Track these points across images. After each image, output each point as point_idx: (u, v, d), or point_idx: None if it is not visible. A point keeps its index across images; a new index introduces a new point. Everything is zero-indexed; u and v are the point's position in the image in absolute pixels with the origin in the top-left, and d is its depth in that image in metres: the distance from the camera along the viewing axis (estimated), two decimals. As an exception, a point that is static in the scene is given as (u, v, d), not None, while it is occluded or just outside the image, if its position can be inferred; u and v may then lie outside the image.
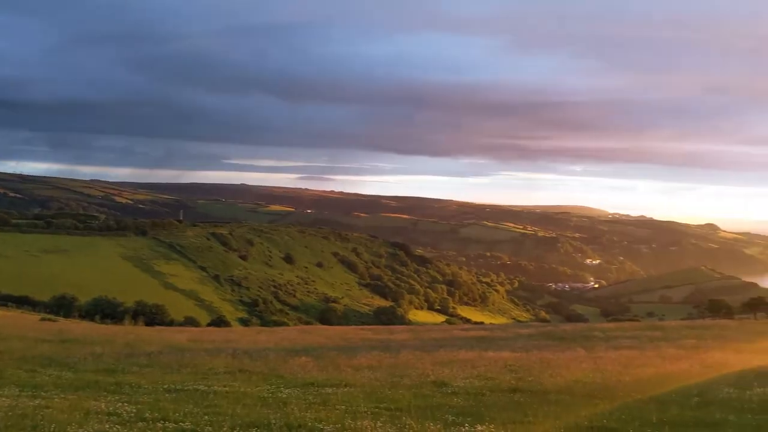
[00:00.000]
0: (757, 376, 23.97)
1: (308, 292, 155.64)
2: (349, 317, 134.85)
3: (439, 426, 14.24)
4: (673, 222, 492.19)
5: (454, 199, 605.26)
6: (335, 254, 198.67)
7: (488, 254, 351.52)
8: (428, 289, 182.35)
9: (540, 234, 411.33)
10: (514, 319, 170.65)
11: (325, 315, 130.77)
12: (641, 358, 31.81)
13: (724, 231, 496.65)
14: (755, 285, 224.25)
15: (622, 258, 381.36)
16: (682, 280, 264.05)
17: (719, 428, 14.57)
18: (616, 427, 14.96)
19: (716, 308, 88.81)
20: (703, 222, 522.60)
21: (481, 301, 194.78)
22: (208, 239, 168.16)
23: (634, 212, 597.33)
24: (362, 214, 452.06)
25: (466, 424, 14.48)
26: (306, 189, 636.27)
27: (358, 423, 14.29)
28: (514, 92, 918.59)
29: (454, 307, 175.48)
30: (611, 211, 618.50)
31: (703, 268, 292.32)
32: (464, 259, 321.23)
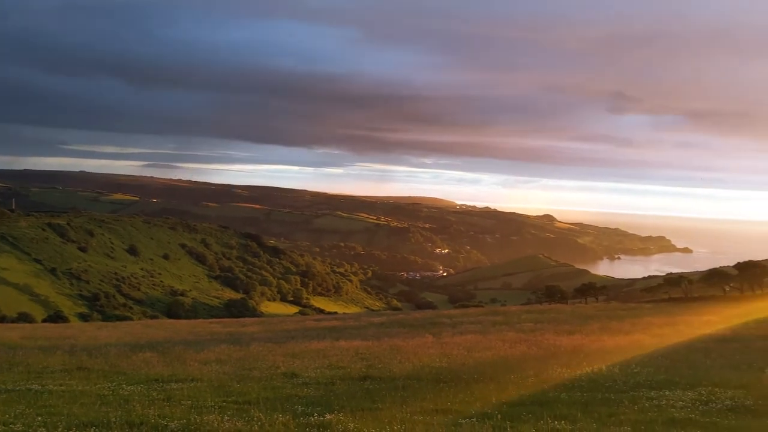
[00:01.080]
0: (586, 356, 25.82)
1: (154, 285, 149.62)
2: (198, 310, 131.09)
3: (287, 417, 14.14)
4: (515, 213, 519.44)
5: (308, 189, 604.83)
6: (183, 245, 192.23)
7: (342, 245, 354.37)
8: (281, 281, 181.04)
9: (393, 224, 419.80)
10: (367, 308, 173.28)
11: (173, 309, 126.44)
12: (484, 341, 33.35)
13: (560, 221, 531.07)
14: (587, 272, 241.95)
15: (469, 247, 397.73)
16: (523, 267, 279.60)
17: (552, 405, 15.49)
18: (459, 409, 15.52)
19: (552, 294, 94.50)
20: (541, 213, 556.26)
21: (335, 292, 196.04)
22: (44, 230, 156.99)
23: (480, 204, 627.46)
24: (212, 204, 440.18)
25: (316, 414, 14.49)
26: (152, 177, 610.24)
27: (204, 418, 13.92)
28: (369, 84, 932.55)
29: (307, 298, 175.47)
30: (459, 202, 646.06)
31: (541, 256, 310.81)
32: (318, 249, 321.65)
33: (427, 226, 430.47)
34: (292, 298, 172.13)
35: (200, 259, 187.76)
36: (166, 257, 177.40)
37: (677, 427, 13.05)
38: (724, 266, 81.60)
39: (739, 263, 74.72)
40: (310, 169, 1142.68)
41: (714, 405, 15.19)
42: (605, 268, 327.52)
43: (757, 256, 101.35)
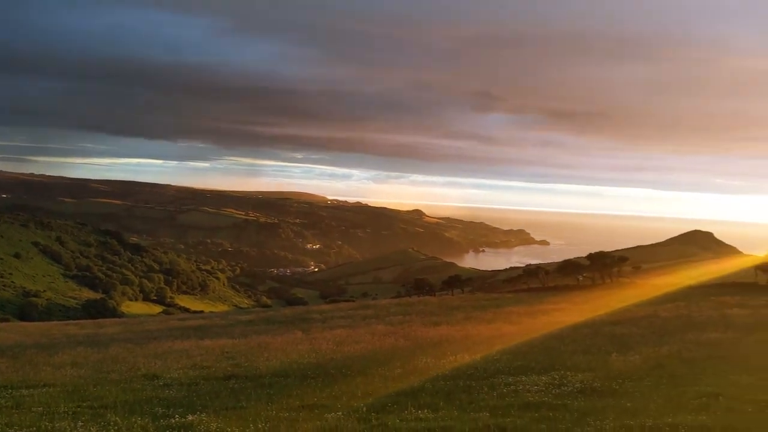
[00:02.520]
0: (451, 345, 26.66)
1: (4, 286, 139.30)
2: (52, 312, 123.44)
3: (146, 420, 13.63)
4: (385, 208, 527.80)
5: (172, 183, 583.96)
6: (36, 244, 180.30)
7: (209, 241, 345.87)
8: (144, 279, 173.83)
9: (262, 220, 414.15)
10: (235, 306, 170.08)
11: (25, 311, 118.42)
12: (354, 335, 33.67)
13: (429, 216, 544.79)
14: (454, 264, 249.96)
15: (340, 242, 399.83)
16: (393, 261, 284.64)
17: (416, 395, 15.83)
18: (326, 403, 15.52)
19: (421, 287, 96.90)
20: (411, 208, 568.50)
21: (201, 290, 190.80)
22: None
23: (351, 199, 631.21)
24: (68, 200, 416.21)
25: (177, 416, 14.04)
26: (1, 171, 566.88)
27: (56, 425, 13.14)
28: (237, 76, 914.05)
29: (172, 297, 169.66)
30: (330, 197, 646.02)
31: (410, 250, 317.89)
32: (183, 246, 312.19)
33: (297, 221, 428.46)
34: (155, 298, 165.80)
35: (55, 258, 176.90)
36: (17, 256, 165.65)
37: (531, 410, 13.70)
38: (577, 257, 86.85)
39: (591, 254, 79.82)
40: (174, 163, 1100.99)
41: (566, 388, 16.08)
42: (471, 261, 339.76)
43: (608, 247, 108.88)
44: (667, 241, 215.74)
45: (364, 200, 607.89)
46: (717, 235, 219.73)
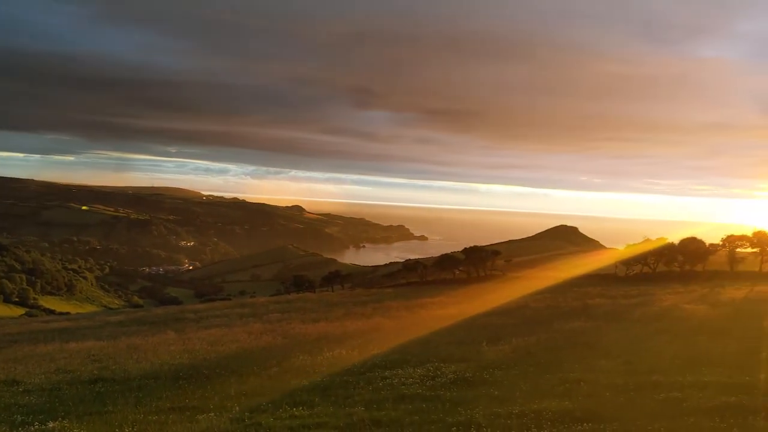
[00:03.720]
0: (329, 342, 26.63)
1: None
2: None
3: (4, 428, 12.75)
4: (264, 204, 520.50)
5: (35, 178, 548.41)
6: None
7: (75, 239, 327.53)
8: (4, 280, 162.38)
9: (133, 216, 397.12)
10: (104, 306, 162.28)
11: None
12: (230, 335, 32.93)
13: (309, 212, 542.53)
14: (334, 260, 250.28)
15: (216, 239, 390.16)
16: (272, 258, 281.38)
17: (292, 392, 15.68)
18: (198, 405, 15.07)
19: (300, 283, 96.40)
20: (290, 204, 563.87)
21: (67, 290, 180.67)
22: None
23: (228, 194, 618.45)
24: None
25: (37, 423, 13.21)
26: None
27: None
28: (106, 66, 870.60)
29: (35, 298, 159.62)
30: (206, 192, 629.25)
31: (290, 246, 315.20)
32: (48, 244, 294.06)
33: (171, 217, 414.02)
34: (17, 299, 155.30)
35: None
36: None
37: (406, 402, 13.90)
38: (454, 252, 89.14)
39: (466, 249, 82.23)
40: (37, 157, 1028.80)
41: (439, 379, 16.44)
42: (351, 257, 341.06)
43: (482, 241, 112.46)
44: (536, 235, 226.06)
45: (241, 196, 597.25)
46: (582, 230, 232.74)
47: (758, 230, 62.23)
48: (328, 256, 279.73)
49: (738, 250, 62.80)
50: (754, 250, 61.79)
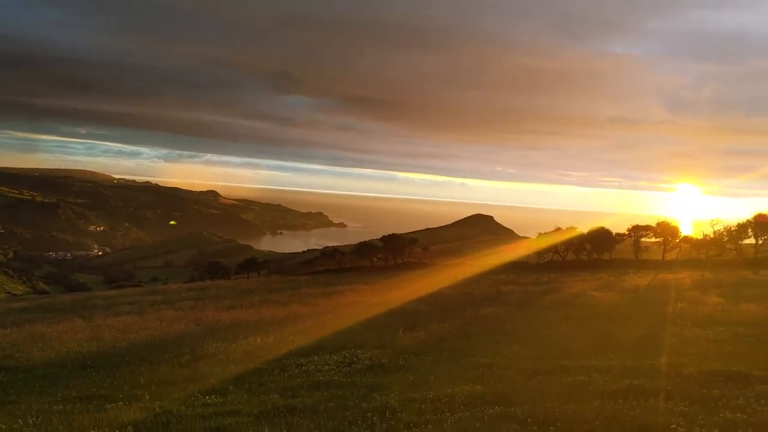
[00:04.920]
0: (244, 329, 26.27)
1: None
2: None
3: None
4: (178, 188, 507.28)
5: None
6: None
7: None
8: None
9: (39, 199, 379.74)
10: (8, 293, 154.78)
11: None
12: (140, 322, 32.05)
13: (225, 198, 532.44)
14: (250, 247, 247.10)
15: (127, 224, 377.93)
16: (186, 244, 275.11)
17: (205, 380, 15.39)
18: (107, 394, 14.60)
19: (215, 270, 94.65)
20: (205, 189, 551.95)
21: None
22: None
23: (140, 178, 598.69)
24: None
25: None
26: None
27: None
28: (13, 44, 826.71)
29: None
30: (117, 176, 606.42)
31: (204, 232, 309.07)
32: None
33: (80, 201, 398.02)
34: None
35: None
36: None
37: (321, 389, 13.87)
38: (373, 239, 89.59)
39: (384, 236, 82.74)
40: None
41: (355, 366, 16.49)
42: (268, 243, 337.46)
43: (400, 229, 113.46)
44: (453, 224, 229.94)
45: (154, 180, 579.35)
46: (497, 219, 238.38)
47: (661, 221, 65.21)
48: (244, 243, 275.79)
49: (642, 239, 65.64)
50: (658, 239, 64.71)
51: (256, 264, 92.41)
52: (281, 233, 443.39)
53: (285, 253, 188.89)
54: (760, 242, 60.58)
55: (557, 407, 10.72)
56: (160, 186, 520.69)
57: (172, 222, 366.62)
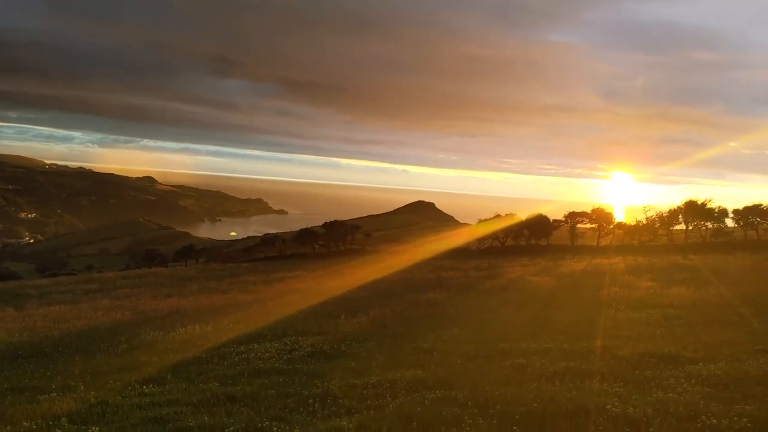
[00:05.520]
0: (182, 317, 25.87)
1: None
2: None
3: None
4: (113, 174, 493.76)
5: None
6: None
7: None
8: None
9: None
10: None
11: None
12: (75, 311, 31.22)
13: (161, 184, 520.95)
14: (188, 234, 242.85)
15: (60, 211, 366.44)
16: (122, 232, 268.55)
17: (142, 369, 15.08)
18: (39, 385, 14.17)
19: (152, 258, 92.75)
20: (141, 174, 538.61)
21: None
22: None
23: (73, 163, 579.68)
24: None
25: None
26: None
27: None
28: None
29: None
30: (48, 161, 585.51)
31: (141, 219, 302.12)
32: None
33: (10, 187, 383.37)
34: None
35: None
36: None
37: (262, 376, 13.74)
38: (314, 226, 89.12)
39: (326, 223, 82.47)
40: None
41: (297, 353, 16.39)
42: (207, 231, 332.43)
43: (342, 216, 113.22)
44: (395, 210, 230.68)
45: (88, 165, 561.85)
46: (438, 206, 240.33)
47: (596, 207, 66.90)
48: (182, 230, 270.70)
49: (578, 226, 67.22)
50: (593, 225, 66.37)
51: (194, 251, 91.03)
52: (220, 220, 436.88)
53: (224, 241, 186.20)
54: (690, 228, 62.78)
55: (497, 390, 10.88)
56: (94, 172, 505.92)
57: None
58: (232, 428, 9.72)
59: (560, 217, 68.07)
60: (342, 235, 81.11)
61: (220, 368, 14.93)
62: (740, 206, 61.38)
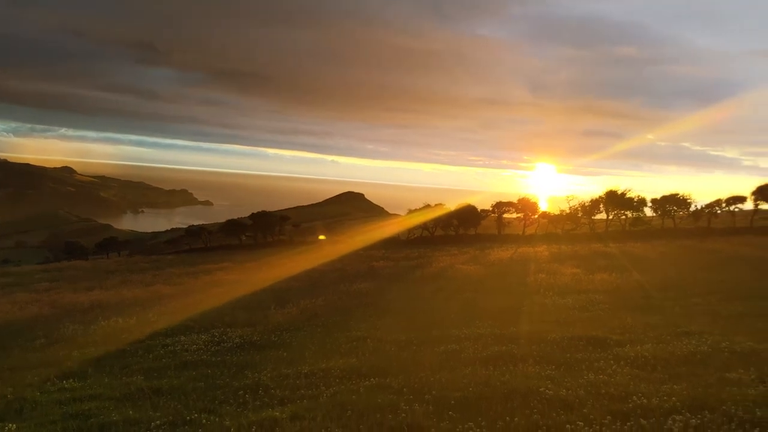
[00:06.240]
0: (105, 310, 24.97)
1: None
2: None
3: None
4: (29, 164, 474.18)
5: None
6: None
7: None
8: None
9: None
10: None
11: None
12: (-12, 306, 29.77)
13: (81, 174, 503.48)
14: (110, 226, 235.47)
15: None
16: (40, 224, 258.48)
17: (61, 364, 14.41)
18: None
19: (72, 250, 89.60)
20: (60, 165, 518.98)
21: None
22: None
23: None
24: None
25: None
26: None
27: None
28: None
29: None
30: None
31: (60, 211, 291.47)
32: None
33: None
34: None
35: None
36: None
37: (189, 369, 13.30)
38: (241, 217, 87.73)
39: (253, 214, 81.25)
40: None
41: (225, 344, 15.98)
42: (129, 222, 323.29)
43: (270, 207, 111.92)
44: (324, 201, 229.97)
45: (2, 155, 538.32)
46: (368, 197, 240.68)
47: (522, 197, 68.24)
48: (104, 222, 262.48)
49: (505, 215, 68.44)
50: (519, 215, 67.68)
51: (116, 244, 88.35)
52: (143, 212, 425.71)
53: (147, 233, 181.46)
54: (611, 217, 64.80)
55: (431, 376, 10.83)
56: (9, 162, 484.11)
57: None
58: (158, 422, 9.34)
59: (488, 207, 69.14)
60: (270, 227, 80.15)
61: (145, 361, 14.38)
62: (657, 196, 63.80)
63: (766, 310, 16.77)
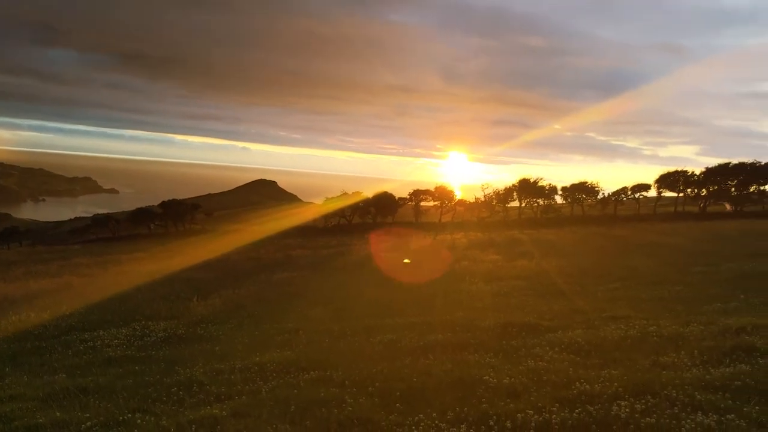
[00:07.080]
0: (12, 304, 23.55)
1: None
2: None
3: None
4: None
5: None
6: None
7: None
8: None
9: None
10: None
11: None
12: None
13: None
14: (9, 216, 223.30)
15: None
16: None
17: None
18: None
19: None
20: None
21: None
22: None
23: None
24: None
25: None
26: None
27: None
28: None
29: None
30: None
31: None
32: None
33: None
34: None
35: None
36: None
37: (115, 365, 12.66)
38: (150, 206, 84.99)
39: (163, 202, 78.86)
40: None
41: (149, 338, 15.33)
42: (29, 212, 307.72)
43: (180, 195, 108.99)
44: (235, 189, 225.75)
45: None
46: (281, 185, 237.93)
47: (439, 186, 69.08)
48: (2, 211, 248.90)
49: (422, 203, 69.12)
50: (436, 203, 68.51)
51: (17, 234, 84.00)
52: (44, 200, 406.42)
53: (49, 222, 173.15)
54: (524, 205, 66.52)
55: (373, 367, 10.66)
56: None
57: None
58: (89, 423, 8.76)
59: (404, 195, 69.61)
60: (181, 215, 78.07)
61: (65, 358, 13.59)
62: (566, 184, 65.97)
63: (681, 294, 17.48)
